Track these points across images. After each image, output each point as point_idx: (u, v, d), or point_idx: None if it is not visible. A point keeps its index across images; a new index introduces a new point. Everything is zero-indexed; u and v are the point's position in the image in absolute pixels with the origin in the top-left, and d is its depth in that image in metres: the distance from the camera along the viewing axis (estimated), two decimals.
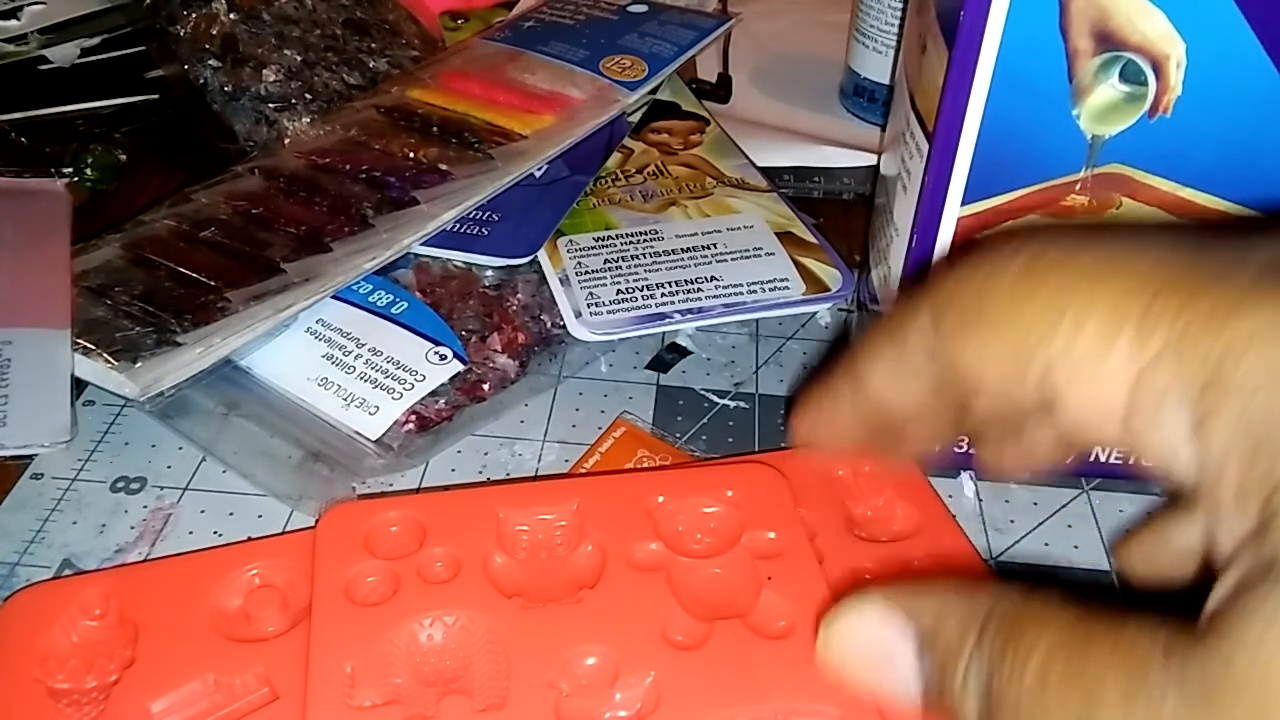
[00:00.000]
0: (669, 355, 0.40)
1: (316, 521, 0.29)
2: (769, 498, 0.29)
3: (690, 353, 0.40)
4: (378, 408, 0.34)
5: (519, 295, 0.39)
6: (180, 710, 0.25)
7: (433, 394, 0.35)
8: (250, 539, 0.31)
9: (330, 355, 0.36)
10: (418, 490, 0.34)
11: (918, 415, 0.23)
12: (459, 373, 0.35)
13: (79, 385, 0.36)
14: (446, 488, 0.34)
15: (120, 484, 0.34)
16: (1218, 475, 0.16)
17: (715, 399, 0.38)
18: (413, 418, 0.34)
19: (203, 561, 0.29)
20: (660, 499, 0.29)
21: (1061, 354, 0.18)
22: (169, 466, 0.34)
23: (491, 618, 0.26)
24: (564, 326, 0.38)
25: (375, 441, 0.34)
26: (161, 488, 0.34)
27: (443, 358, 0.36)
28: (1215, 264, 0.17)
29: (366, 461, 0.34)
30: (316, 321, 0.37)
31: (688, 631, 0.26)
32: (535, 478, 0.34)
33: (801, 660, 0.25)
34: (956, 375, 0.21)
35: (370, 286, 0.38)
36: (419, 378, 0.35)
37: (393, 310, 0.38)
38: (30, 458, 0.34)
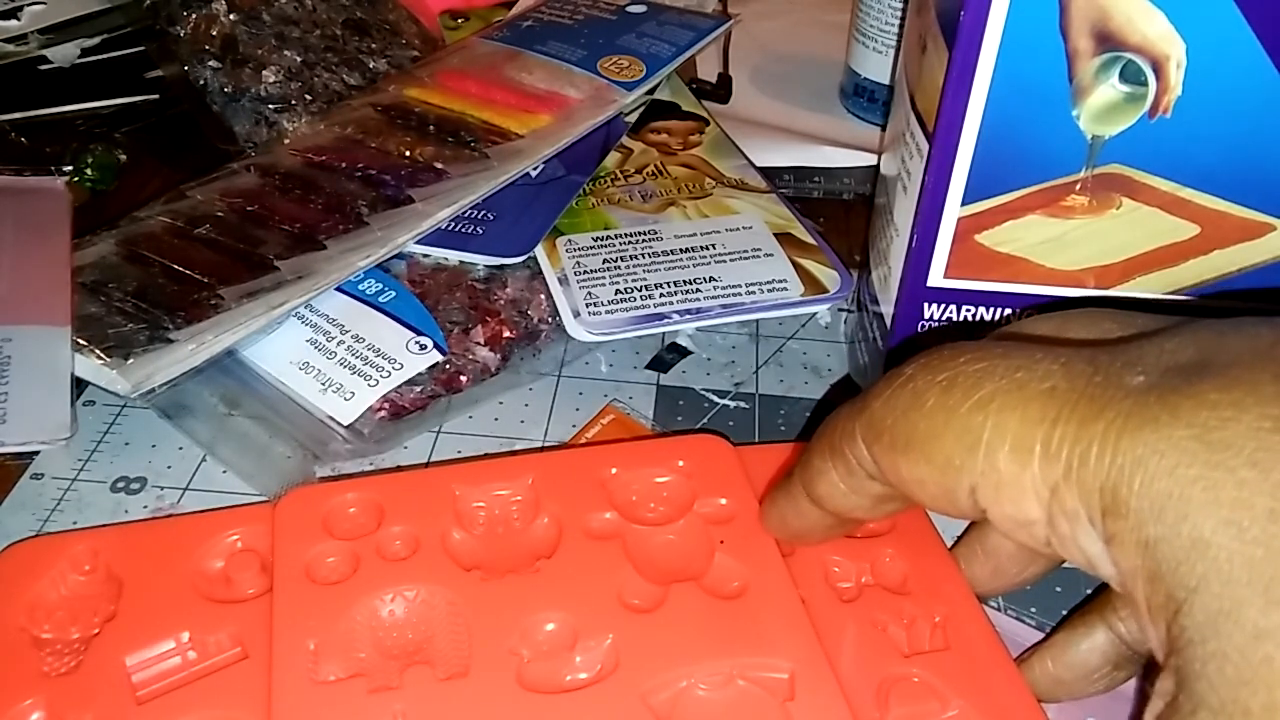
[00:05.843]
0: (669, 355, 0.40)
1: (274, 505, 0.29)
2: (719, 466, 0.30)
3: (690, 353, 0.40)
4: (353, 393, 0.34)
5: (508, 290, 0.39)
6: (154, 664, 0.26)
7: (410, 382, 0.35)
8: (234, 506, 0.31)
9: (314, 340, 0.36)
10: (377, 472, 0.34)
11: (874, 510, 0.24)
12: (437, 363, 0.36)
13: (79, 384, 0.36)
14: (402, 468, 0.34)
15: (120, 484, 0.34)
16: (1133, 589, 0.18)
17: (715, 399, 0.38)
18: (386, 405, 0.34)
19: (190, 524, 0.30)
20: (613, 470, 0.30)
21: (983, 478, 0.20)
22: (169, 466, 0.34)
23: (451, 591, 0.26)
24: (550, 322, 0.38)
25: (346, 427, 0.34)
26: (161, 488, 0.34)
27: (422, 347, 0.36)
28: (1107, 377, 0.18)
29: (333, 446, 0.34)
30: (305, 306, 0.37)
31: (644, 595, 0.26)
32: (490, 455, 0.34)
33: (755, 619, 0.25)
34: (897, 491, 0.22)
35: (361, 274, 0.38)
36: (397, 366, 0.35)
37: (380, 299, 0.38)
38: (30, 457, 0.34)
